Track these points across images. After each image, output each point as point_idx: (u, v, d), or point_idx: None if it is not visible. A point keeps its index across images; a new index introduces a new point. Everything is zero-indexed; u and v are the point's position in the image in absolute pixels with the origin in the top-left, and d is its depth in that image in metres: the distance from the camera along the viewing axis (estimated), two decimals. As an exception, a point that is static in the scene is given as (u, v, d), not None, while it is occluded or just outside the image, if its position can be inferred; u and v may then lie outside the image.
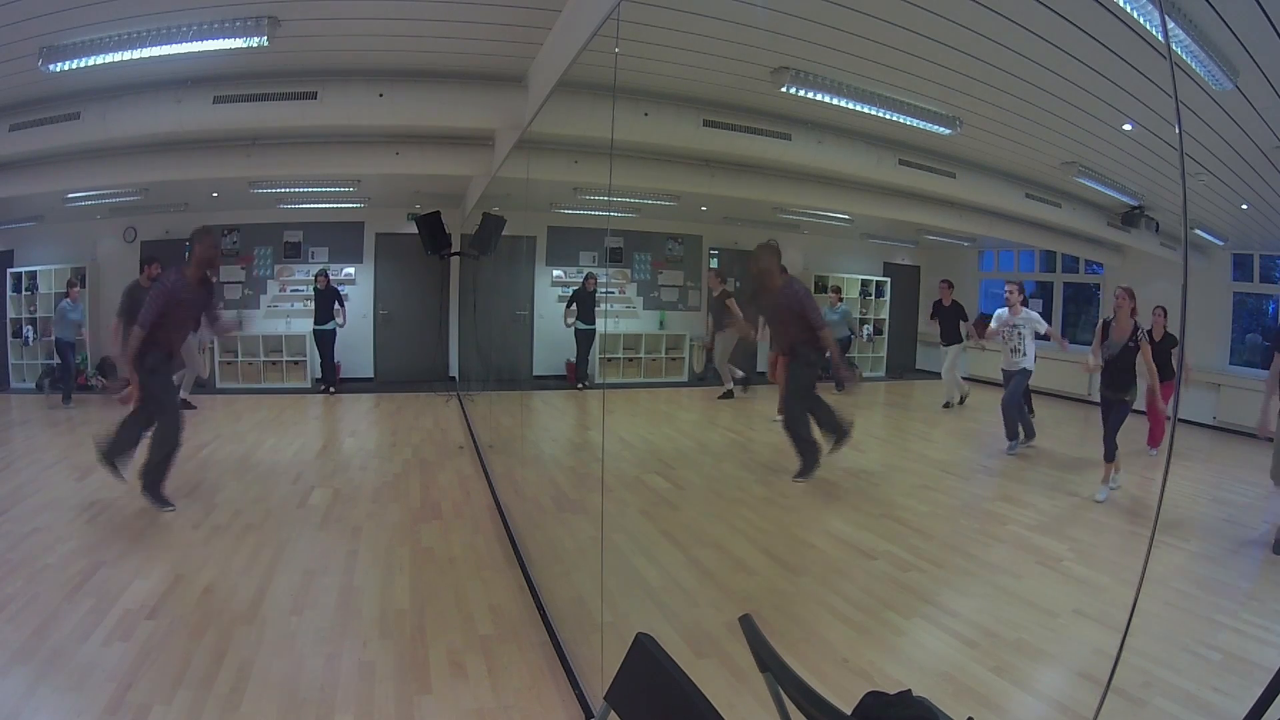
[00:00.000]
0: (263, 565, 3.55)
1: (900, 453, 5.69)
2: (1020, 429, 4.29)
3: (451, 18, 3.75)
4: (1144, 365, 3.21)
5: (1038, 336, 4.06)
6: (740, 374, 5.70)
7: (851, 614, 3.05)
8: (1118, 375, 3.30)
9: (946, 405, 5.42)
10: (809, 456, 4.42)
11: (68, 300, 7.82)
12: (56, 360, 8.03)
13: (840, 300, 5.81)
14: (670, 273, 6.95)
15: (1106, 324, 3.35)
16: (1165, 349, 3.25)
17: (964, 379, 5.28)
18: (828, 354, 5.56)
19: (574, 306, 6.94)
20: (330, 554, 3.75)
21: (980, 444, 5.08)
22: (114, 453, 4.34)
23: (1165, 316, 3.31)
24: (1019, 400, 4.18)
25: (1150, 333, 3.28)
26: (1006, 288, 4.11)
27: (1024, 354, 4.03)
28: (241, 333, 9.09)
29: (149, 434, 4.35)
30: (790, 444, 4.42)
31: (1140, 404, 3.37)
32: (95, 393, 8.09)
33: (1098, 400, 3.42)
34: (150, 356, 4.23)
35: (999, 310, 4.12)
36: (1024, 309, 4.09)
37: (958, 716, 1.16)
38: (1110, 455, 3.44)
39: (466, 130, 5.70)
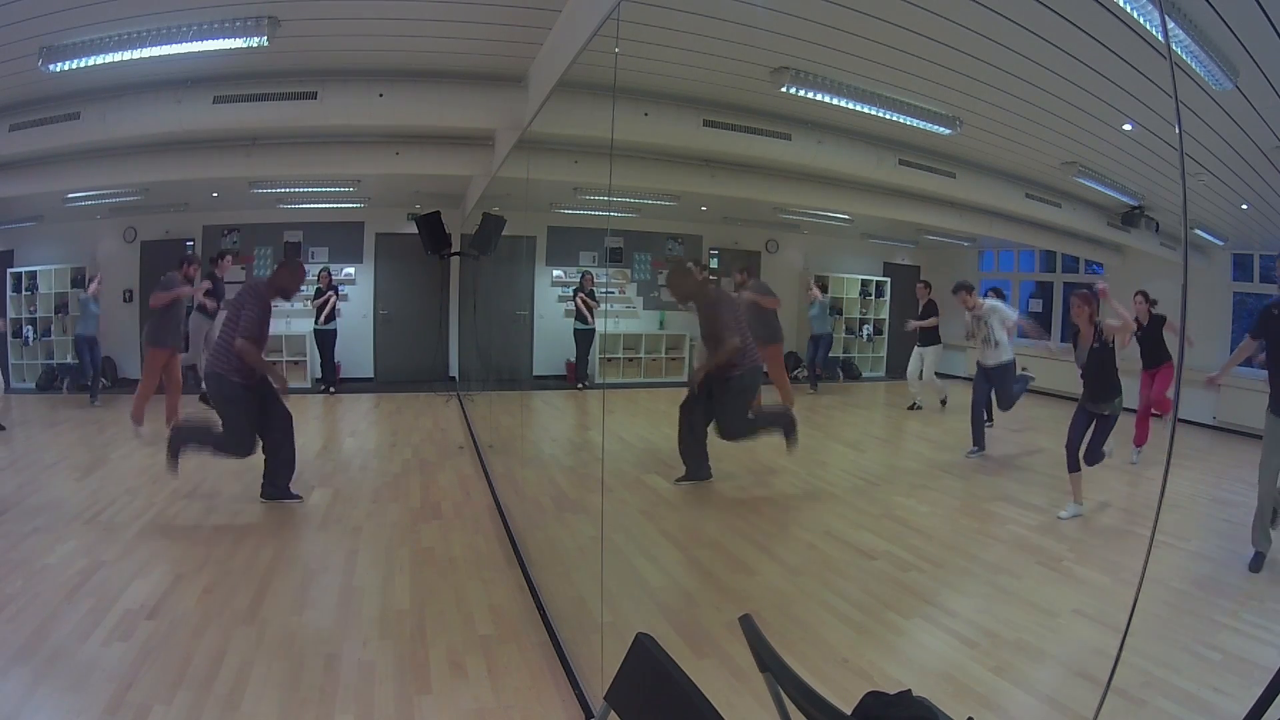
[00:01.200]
0: (263, 565, 3.55)
1: (900, 452, 5.69)
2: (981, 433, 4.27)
3: (451, 18, 3.75)
4: (1116, 313, 3.09)
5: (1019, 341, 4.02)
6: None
7: (851, 614, 3.05)
8: (1093, 384, 3.21)
9: (912, 407, 5.40)
10: (696, 464, 4.35)
11: (89, 294, 7.68)
12: (89, 358, 7.75)
13: (822, 294, 5.70)
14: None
15: (1077, 333, 3.25)
16: (1155, 330, 3.17)
17: (936, 376, 5.15)
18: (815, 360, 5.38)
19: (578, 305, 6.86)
20: (330, 554, 3.75)
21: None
22: (185, 440, 4.40)
23: (1146, 300, 3.19)
24: (1011, 399, 4.12)
25: (1136, 319, 3.19)
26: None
27: (998, 344, 3.96)
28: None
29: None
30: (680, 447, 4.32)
31: (1130, 403, 3.31)
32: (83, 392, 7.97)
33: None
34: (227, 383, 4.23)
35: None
36: (986, 300, 4.02)
37: (958, 716, 1.16)
38: (1093, 459, 3.35)
39: (466, 130, 5.70)
